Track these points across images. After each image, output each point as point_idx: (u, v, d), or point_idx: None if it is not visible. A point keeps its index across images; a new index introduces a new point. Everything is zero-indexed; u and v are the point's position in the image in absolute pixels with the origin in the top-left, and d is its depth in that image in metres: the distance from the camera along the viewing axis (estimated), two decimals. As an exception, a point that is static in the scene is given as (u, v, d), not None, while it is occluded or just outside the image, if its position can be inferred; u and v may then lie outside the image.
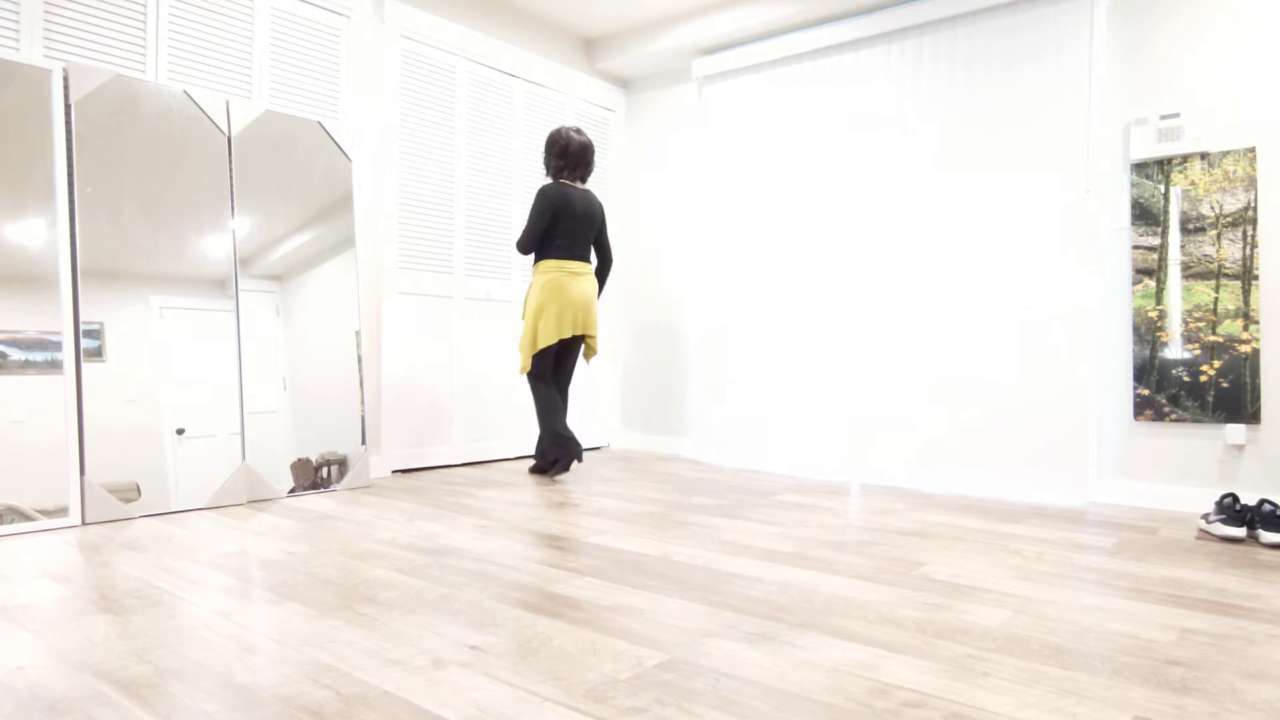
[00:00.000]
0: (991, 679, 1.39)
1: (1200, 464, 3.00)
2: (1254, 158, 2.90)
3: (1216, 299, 2.97)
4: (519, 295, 4.30)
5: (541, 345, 3.42)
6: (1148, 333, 3.10)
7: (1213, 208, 2.98)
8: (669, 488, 3.39)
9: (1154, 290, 3.09)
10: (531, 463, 4.06)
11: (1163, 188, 3.08)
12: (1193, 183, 3.02)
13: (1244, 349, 2.92)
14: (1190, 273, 3.03)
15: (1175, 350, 3.05)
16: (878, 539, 2.48)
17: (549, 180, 3.61)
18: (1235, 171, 2.94)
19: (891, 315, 3.70)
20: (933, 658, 1.48)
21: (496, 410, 4.17)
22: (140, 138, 2.77)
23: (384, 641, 1.53)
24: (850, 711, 1.25)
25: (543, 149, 3.59)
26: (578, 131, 3.52)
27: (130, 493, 2.65)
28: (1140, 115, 3.13)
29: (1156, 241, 3.09)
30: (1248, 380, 2.91)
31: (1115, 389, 3.18)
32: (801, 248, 4.00)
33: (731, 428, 4.24)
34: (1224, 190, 2.96)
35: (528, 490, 3.29)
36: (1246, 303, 2.91)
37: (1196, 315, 3.01)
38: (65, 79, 2.62)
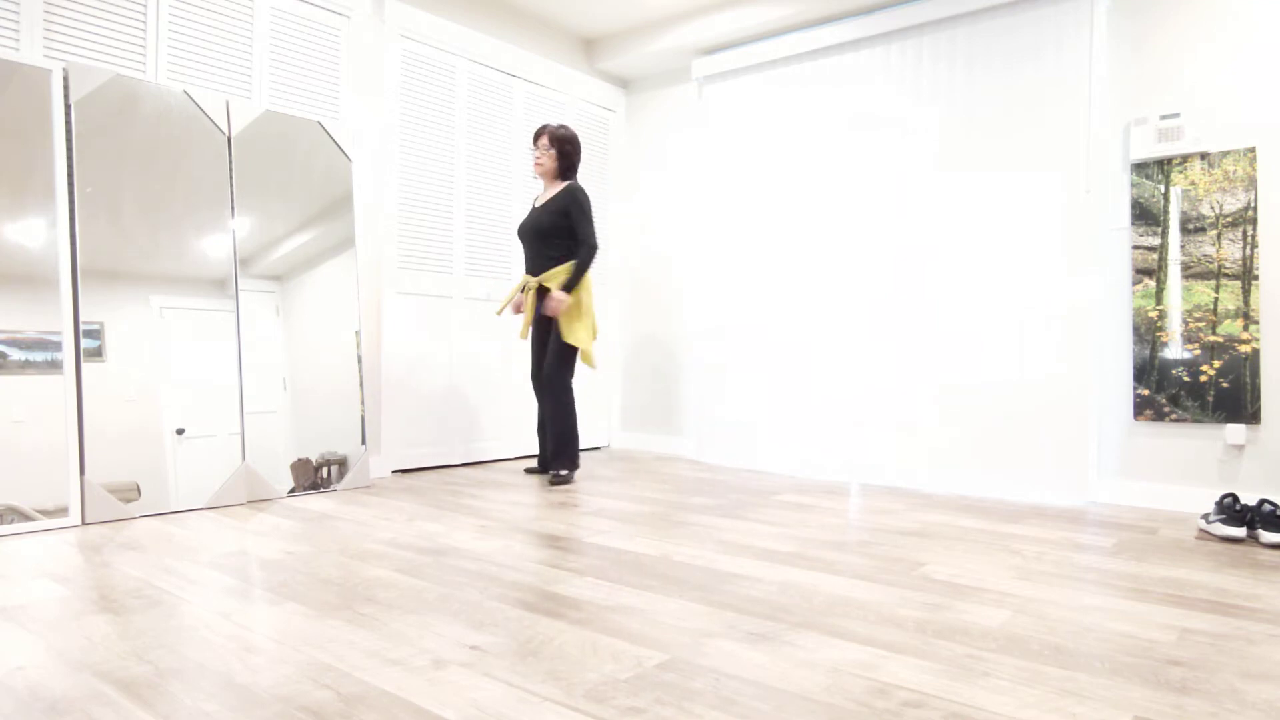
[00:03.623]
0: (991, 679, 1.39)
1: (1200, 464, 3.00)
2: (1254, 158, 2.90)
3: (1216, 299, 2.97)
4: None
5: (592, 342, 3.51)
6: (1148, 333, 3.10)
7: (1213, 208, 2.98)
8: (669, 488, 3.39)
9: (1154, 290, 3.09)
10: (565, 471, 3.56)
11: (1163, 188, 3.08)
12: (1193, 183, 3.02)
13: (1244, 349, 2.92)
14: (1190, 273, 3.03)
15: (1175, 350, 3.05)
16: (878, 539, 2.48)
17: (576, 179, 3.54)
18: (1235, 171, 2.94)
19: (891, 315, 3.70)
20: (933, 658, 1.48)
21: (496, 410, 4.17)
22: (140, 138, 2.77)
23: (384, 641, 1.53)
24: (850, 711, 1.25)
25: (571, 148, 3.52)
26: None
27: (130, 493, 2.65)
28: (1140, 115, 3.13)
29: (1156, 241, 3.09)
30: (1248, 380, 2.91)
31: (1115, 389, 3.18)
32: (801, 248, 4.00)
33: (731, 428, 4.24)
34: (1224, 190, 2.96)
35: (528, 490, 3.29)
36: (1246, 303, 2.91)
37: (1196, 315, 3.01)
38: (65, 79, 2.62)
